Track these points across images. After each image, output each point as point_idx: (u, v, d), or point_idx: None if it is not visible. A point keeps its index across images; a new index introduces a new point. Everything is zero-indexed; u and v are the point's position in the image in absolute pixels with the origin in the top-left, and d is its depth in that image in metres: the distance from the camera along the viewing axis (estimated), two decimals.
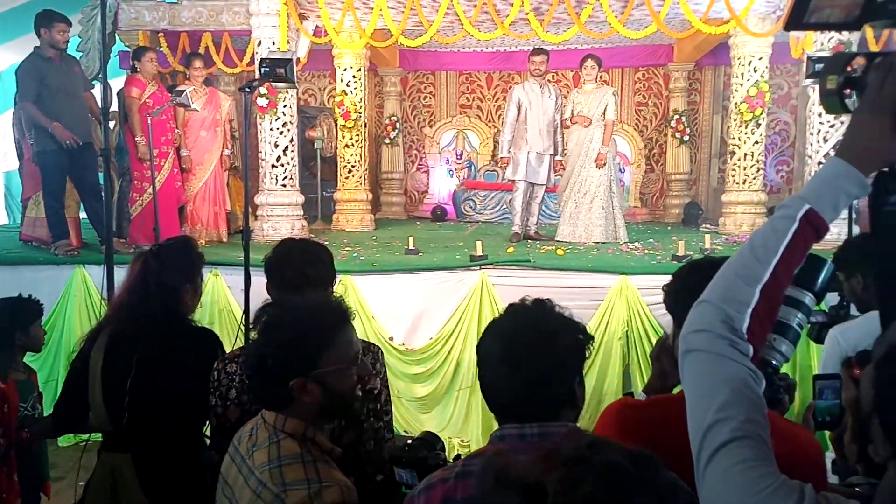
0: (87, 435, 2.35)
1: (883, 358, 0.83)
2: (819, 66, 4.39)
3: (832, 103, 0.99)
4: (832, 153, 4.89)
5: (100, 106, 4.61)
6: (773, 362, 1.55)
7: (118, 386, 2.05)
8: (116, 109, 5.90)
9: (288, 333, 1.42)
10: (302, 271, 1.93)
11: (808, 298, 1.66)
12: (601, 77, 6.46)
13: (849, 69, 0.98)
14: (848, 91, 0.97)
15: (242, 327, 3.22)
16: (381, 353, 2.01)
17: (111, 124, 5.77)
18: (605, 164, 6.17)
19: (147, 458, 2.04)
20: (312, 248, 2.06)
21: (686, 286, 1.49)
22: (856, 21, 0.94)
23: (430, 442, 1.63)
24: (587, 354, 1.32)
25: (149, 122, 4.99)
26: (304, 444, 1.41)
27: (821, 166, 0.95)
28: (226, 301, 4.74)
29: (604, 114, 6.17)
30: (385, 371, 1.98)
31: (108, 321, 2.17)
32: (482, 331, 1.39)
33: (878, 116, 0.90)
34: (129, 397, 2.04)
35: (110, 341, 2.10)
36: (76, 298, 4.96)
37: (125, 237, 5.74)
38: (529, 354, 1.25)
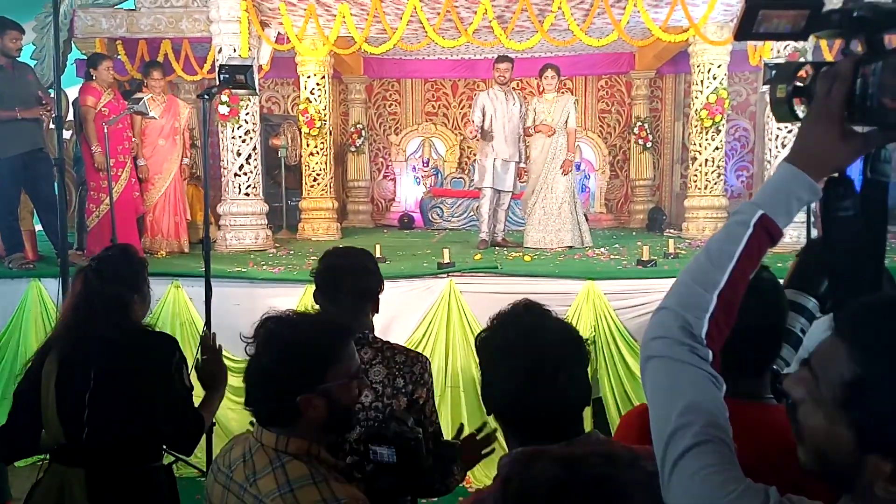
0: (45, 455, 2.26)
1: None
2: (776, 74, 4.49)
3: (782, 112, 1.01)
4: None
5: (54, 115, 4.48)
6: (775, 367, 1.56)
7: (75, 401, 1.99)
8: (73, 118, 5.75)
9: (294, 348, 1.41)
10: (356, 285, 1.98)
11: (812, 303, 1.65)
12: (564, 85, 6.49)
13: (798, 78, 1.00)
14: (797, 100, 0.99)
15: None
16: (429, 363, 2.04)
17: (67, 134, 5.61)
18: (570, 171, 6.22)
19: (101, 472, 1.98)
20: (361, 258, 2.09)
21: None
22: (802, 31, 0.96)
23: (400, 417, 1.68)
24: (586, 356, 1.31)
25: (105, 130, 4.85)
26: (310, 463, 1.38)
27: (774, 173, 0.95)
28: (187, 313, 4.62)
29: (566, 122, 6.21)
30: (431, 381, 2.01)
31: (54, 341, 2.09)
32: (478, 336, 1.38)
33: (825, 124, 0.92)
34: (88, 410, 1.98)
35: (62, 360, 2.03)
36: (32, 313, 4.80)
37: (82, 249, 5.58)
38: (544, 377, 1.23)
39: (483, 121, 6.36)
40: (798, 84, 0.99)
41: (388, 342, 2.01)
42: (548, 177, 6.22)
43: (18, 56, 5.31)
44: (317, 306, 1.98)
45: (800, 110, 0.99)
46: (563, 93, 6.54)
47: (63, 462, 2.03)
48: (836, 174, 0.96)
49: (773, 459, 1.31)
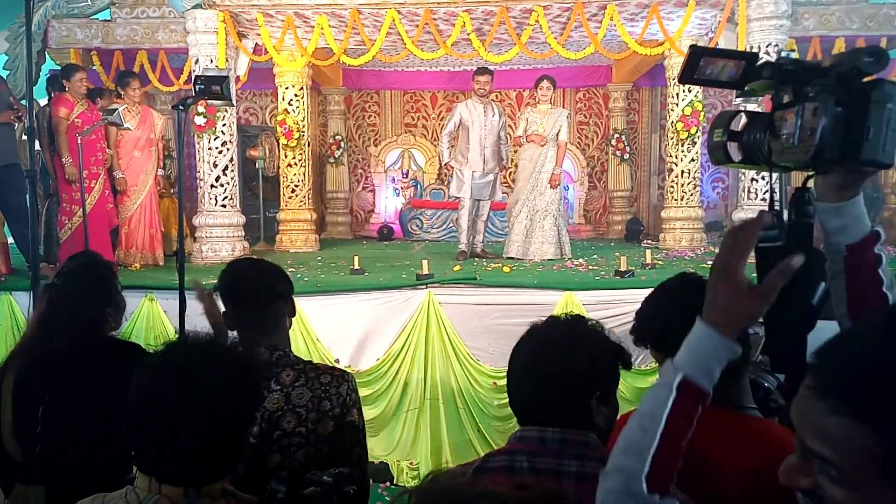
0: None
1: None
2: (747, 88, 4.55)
3: (718, 156, 1.05)
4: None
5: (26, 124, 4.41)
6: (766, 384, 1.58)
7: (30, 417, 1.94)
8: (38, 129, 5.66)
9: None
10: (272, 287, 1.87)
11: None
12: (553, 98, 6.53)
13: (734, 124, 1.05)
14: (733, 144, 1.04)
15: None
16: (355, 381, 1.91)
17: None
18: (559, 185, 6.22)
19: (63, 489, 1.92)
20: (268, 264, 2.01)
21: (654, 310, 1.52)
22: (739, 81, 0.99)
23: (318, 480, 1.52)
24: (617, 375, 1.35)
25: (78, 142, 4.79)
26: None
27: (691, 331, 0.95)
28: (161, 327, 4.56)
29: (557, 134, 6.22)
30: (360, 401, 1.88)
31: (13, 359, 2.04)
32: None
33: (728, 281, 0.92)
34: (41, 426, 1.93)
35: (18, 376, 1.99)
36: (2, 327, 4.72)
37: (55, 262, 5.48)
38: (548, 360, 1.31)
39: (456, 131, 6.38)
40: (733, 130, 1.03)
41: (310, 362, 1.88)
42: (535, 188, 6.22)
43: None
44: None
45: (735, 153, 1.04)
46: (556, 105, 6.58)
47: (23, 480, 1.98)
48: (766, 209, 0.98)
49: (747, 471, 1.32)
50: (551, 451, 1.28)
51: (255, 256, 2.10)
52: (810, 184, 1.00)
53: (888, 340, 0.66)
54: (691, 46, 1.03)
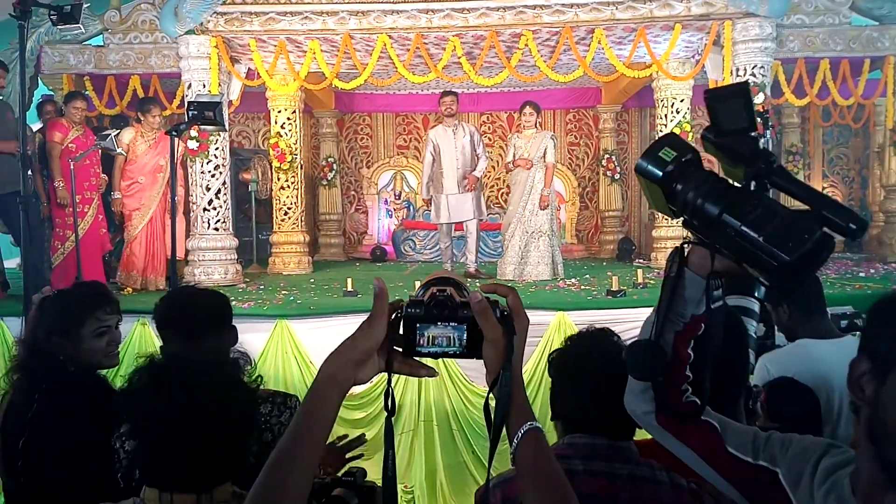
0: None
1: None
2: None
3: (656, 201, 1.05)
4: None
5: (20, 151, 4.43)
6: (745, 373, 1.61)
7: (13, 451, 1.92)
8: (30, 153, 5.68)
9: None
10: (202, 319, 1.84)
11: (756, 305, 1.74)
12: (538, 122, 6.63)
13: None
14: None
15: None
16: (296, 401, 1.86)
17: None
18: (548, 206, 6.28)
19: None
20: (203, 296, 1.98)
21: None
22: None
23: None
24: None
25: (71, 167, 4.80)
26: None
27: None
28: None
29: (543, 157, 6.30)
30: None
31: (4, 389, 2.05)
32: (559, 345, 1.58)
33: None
34: (22, 460, 1.90)
35: (7, 407, 1.99)
36: None
37: (50, 286, 5.46)
38: (592, 370, 1.43)
39: (434, 158, 6.53)
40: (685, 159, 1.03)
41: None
42: (525, 210, 6.29)
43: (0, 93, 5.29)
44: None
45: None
46: (541, 129, 6.69)
47: None
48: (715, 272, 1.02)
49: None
50: (602, 456, 1.40)
51: (194, 285, 2.08)
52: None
53: None
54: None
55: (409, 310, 0.93)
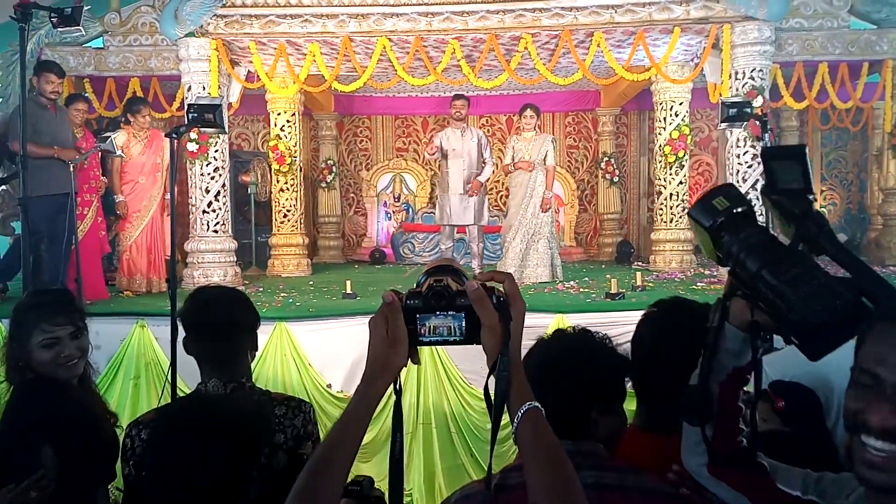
0: None
1: None
2: (733, 111, 4.62)
3: (707, 248, 1.07)
4: (752, 192, 5.07)
5: (20, 154, 4.43)
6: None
7: None
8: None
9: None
10: (235, 320, 1.83)
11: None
12: (538, 124, 6.63)
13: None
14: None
15: (169, 380, 3.07)
16: (313, 411, 1.89)
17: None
18: (549, 208, 6.29)
19: None
20: (234, 292, 1.99)
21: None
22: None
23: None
24: (622, 388, 1.39)
25: (70, 169, 4.80)
26: None
27: None
28: (152, 353, 4.53)
29: (544, 159, 6.31)
30: (317, 432, 1.85)
31: None
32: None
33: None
34: None
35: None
36: None
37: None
38: (555, 373, 1.34)
39: (441, 149, 6.49)
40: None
41: (266, 391, 1.84)
42: (526, 213, 6.29)
43: (57, 98, 5.32)
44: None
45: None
46: (541, 132, 6.70)
47: None
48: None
49: None
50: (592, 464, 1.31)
51: (226, 285, 2.09)
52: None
53: None
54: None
55: (408, 301, 0.96)
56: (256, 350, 1.92)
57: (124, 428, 1.87)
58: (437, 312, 0.95)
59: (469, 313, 0.94)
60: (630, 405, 1.59)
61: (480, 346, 1.05)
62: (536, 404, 0.95)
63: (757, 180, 5.85)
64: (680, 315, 1.60)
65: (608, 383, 1.37)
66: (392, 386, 0.98)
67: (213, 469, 1.30)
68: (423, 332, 0.95)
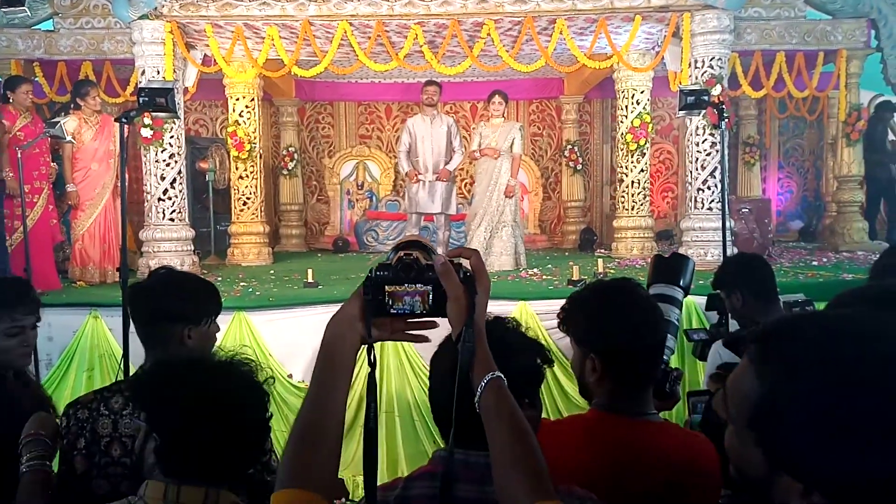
0: None
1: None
2: (691, 99, 4.66)
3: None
4: (710, 179, 5.12)
5: None
6: (664, 357, 1.62)
7: None
8: None
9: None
10: (165, 308, 1.80)
11: (680, 294, 1.80)
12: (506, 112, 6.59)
13: None
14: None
15: (122, 372, 2.99)
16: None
17: None
18: (513, 195, 6.28)
19: None
20: (181, 283, 1.92)
21: (582, 309, 1.58)
22: None
23: None
24: (540, 375, 1.26)
25: (18, 155, 4.62)
26: None
27: None
28: (106, 344, 4.42)
29: (511, 147, 6.28)
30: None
31: None
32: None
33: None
34: None
35: None
36: None
37: None
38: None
39: (409, 147, 6.40)
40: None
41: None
42: (491, 200, 6.27)
43: None
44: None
45: None
46: (509, 119, 6.65)
47: None
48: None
49: (638, 478, 1.35)
50: (475, 477, 1.10)
51: (180, 270, 2.06)
52: None
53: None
54: None
55: (377, 273, 0.99)
56: (191, 340, 1.82)
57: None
58: (406, 284, 0.98)
59: (436, 286, 0.97)
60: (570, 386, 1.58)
61: (440, 334, 1.07)
62: (499, 374, 0.98)
63: (716, 168, 5.93)
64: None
65: (530, 375, 1.23)
66: (367, 358, 0.99)
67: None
68: (390, 302, 0.98)
